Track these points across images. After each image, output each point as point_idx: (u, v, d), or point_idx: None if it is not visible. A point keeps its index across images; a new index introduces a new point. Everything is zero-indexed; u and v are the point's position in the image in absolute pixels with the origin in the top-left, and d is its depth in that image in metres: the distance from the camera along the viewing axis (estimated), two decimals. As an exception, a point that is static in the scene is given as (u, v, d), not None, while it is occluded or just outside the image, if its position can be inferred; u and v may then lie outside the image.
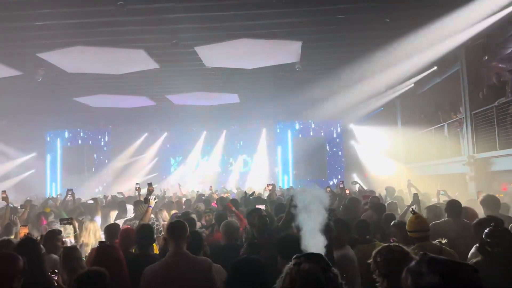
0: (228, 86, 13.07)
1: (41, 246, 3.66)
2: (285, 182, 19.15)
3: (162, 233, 4.92)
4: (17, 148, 18.41)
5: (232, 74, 11.50)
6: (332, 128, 19.55)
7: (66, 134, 20.64)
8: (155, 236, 4.55)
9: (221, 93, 13.85)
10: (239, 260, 2.71)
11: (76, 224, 5.11)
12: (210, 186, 13.56)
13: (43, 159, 19.93)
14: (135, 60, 10.08)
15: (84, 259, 3.96)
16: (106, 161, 20.28)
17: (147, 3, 7.32)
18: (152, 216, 5.62)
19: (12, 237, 5.15)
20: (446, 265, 1.40)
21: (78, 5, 7.36)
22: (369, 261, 2.54)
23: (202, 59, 10.08)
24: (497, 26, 8.65)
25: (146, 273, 3.02)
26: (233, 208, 5.97)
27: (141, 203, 6.11)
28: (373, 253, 2.56)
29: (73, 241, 4.95)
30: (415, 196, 6.22)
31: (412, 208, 4.72)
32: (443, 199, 7.00)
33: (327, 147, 19.51)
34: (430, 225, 3.98)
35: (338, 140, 19.53)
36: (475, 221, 3.83)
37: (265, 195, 10.49)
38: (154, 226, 5.03)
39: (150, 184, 5.72)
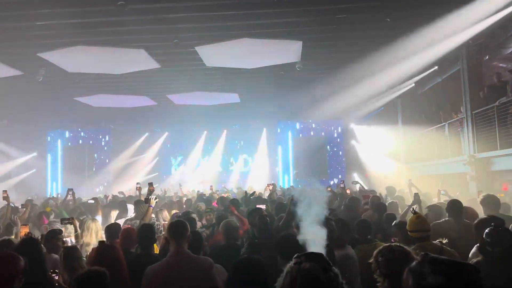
0: (228, 86, 13.07)
1: (42, 245, 3.66)
2: (286, 181, 19.16)
3: (163, 232, 4.91)
4: (18, 148, 18.45)
5: (233, 73, 11.50)
6: (332, 128, 19.55)
7: (67, 134, 20.67)
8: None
9: (222, 93, 13.85)
10: (240, 260, 2.71)
11: (77, 223, 5.11)
12: (211, 186, 13.58)
13: (44, 159, 19.96)
14: (136, 60, 10.08)
15: (85, 259, 3.97)
16: (107, 160, 20.31)
17: (147, 3, 7.32)
18: (153, 215, 5.62)
19: (13, 237, 5.15)
20: (449, 266, 1.40)
21: (79, 5, 7.37)
22: (370, 260, 2.53)
23: (202, 59, 10.08)
24: (498, 25, 8.64)
25: (147, 273, 3.02)
26: (236, 212, 5.96)
27: (142, 203, 6.12)
28: (374, 252, 2.55)
29: (73, 240, 4.95)
30: (416, 195, 6.21)
31: (413, 208, 4.72)
32: (444, 198, 7.00)
33: (328, 147, 19.51)
34: (431, 225, 3.98)
35: (338, 139, 19.54)
36: (476, 221, 3.83)
37: (266, 195, 10.50)
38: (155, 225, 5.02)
39: (150, 184, 5.72)
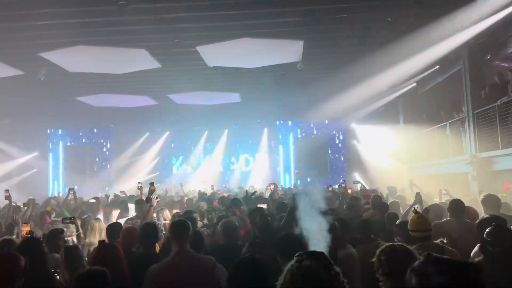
0: (229, 86, 13.07)
1: (44, 245, 3.67)
2: (287, 181, 19.16)
3: (164, 232, 4.92)
4: (19, 147, 18.48)
5: (234, 73, 11.50)
6: (333, 128, 19.53)
7: (68, 134, 20.68)
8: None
9: (223, 93, 13.85)
10: (242, 259, 2.71)
11: (79, 223, 5.12)
12: (212, 186, 13.59)
13: (45, 158, 19.99)
14: (137, 60, 10.08)
15: (86, 258, 3.97)
16: (108, 160, 20.33)
17: (148, 3, 7.32)
18: (154, 215, 5.63)
19: (14, 236, 5.16)
20: (452, 265, 1.41)
21: (80, 4, 7.37)
22: (373, 259, 2.53)
23: (203, 59, 10.08)
24: (499, 25, 8.62)
25: (150, 272, 3.02)
26: (238, 213, 5.97)
27: (143, 202, 6.12)
28: (377, 251, 2.55)
29: (75, 240, 4.96)
30: (418, 195, 6.21)
31: (414, 208, 4.71)
32: (445, 198, 6.99)
33: (329, 146, 19.49)
34: (432, 224, 3.98)
35: (339, 139, 19.52)
36: (477, 221, 3.83)
37: (267, 194, 10.50)
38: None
39: (152, 184, 5.73)
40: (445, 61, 10.87)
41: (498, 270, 2.87)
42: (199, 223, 6.00)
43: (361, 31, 8.87)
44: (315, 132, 19.75)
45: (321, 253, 1.77)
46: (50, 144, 20.35)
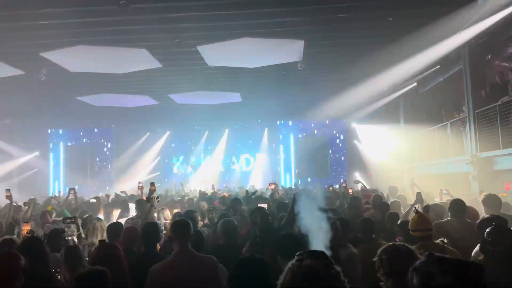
0: (230, 85, 13.07)
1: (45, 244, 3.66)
2: (287, 181, 19.15)
3: (164, 231, 4.92)
4: (20, 147, 18.49)
5: (235, 73, 11.50)
6: (334, 127, 19.51)
7: (69, 133, 20.69)
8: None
9: (224, 92, 13.85)
10: (243, 259, 2.71)
11: (80, 222, 5.12)
12: (212, 185, 13.59)
13: (46, 158, 20.01)
14: (138, 60, 10.09)
15: (87, 258, 3.97)
16: (109, 160, 20.34)
17: (149, 2, 7.32)
18: (154, 215, 5.63)
19: (15, 236, 5.16)
20: (455, 265, 1.41)
21: (80, 4, 7.37)
22: (374, 259, 2.52)
23: (204, 58, 10.08)
24: (500, 24, 8.60)
25: (152, 272, 3.02)
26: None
27: (143, 202, 6.12)
28: (379, 251, 2.55)
29: (76, 240, 4.96)
30: (419, 195, 6.20)
31: (415, 207, 4.71)
32: (446, 198, 6.99)
33: (330, 146, 19.49)
34: (432, 224, 3.97)
35: (340, 139, 19.51)
36: (478, 220, 3.83)
37: (268, 193, 10.51)
38: (156, 224, 5.02)
39: (152, 184, 5.74)
40: (446, 61, 10.87)
41: (499, 270, 2.87)
42: (200, 223, 6.00)
43: (362, 31, 8.87)
44: (315, 132, 19.75)
45: (322, 252, 1.77)
46: (51, 144, 20.37)
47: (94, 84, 12.37)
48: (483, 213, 4.90)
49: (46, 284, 3.11)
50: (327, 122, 19.33)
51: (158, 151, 20.49)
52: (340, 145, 19.50)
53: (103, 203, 8.37)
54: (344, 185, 9.54)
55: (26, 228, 4.64)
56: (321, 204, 2.75)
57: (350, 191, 8.84)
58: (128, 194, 11.53)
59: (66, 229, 4.75)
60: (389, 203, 6.68)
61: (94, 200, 8.47)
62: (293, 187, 15.23)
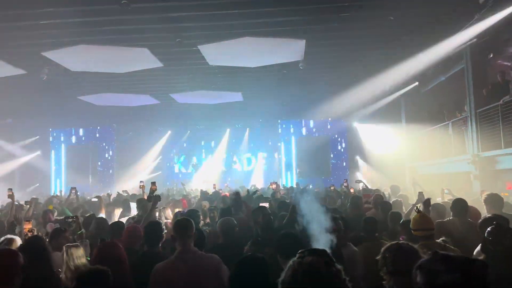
0: (231, 85, 13.07)
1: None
2: (289, 180, 19.15)
3: (165, 231, 4.92)
4: (22, 146, 18.53)
5: (236, 72, 11.50)
6: (335, 126, 19.49)
7: (71, 133, 20.72)
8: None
9: (225, 92, 13.85)
10: (244, 258, 2.71)
11: (81, 221, 5.11)
12: (214, 185, 13.59)
13: (48, 157, 20.04)
14: (139, 59, 10.10)
15: (88, 258, 3.97)
16: (110, 159, 20.36)
17: (150, 2, 7.32)
18: (156, 214, 5.63)
19: (16, 235, 5.16)
20: (460, 263, 1.41)
21: (83, 4, 7.39)
22: (378, 257, 2.52)
23: (205, 58, 10.09)
24: (502, 24, 8.59)
25: (155, 271, 3.02)
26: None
27: (144, 201, 6.13)
28: (382, 249, 2.54)
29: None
30: (420, 194, 6.19)
31: (417, 207, 4.70)
32: (448, 197, 6.98)
33: (331, 146, 19.47)
34: (434, 223, 3.97)
35: (341, 138, 19.49)
36: (480, 220, 3.82)
37: (269, 193, 10.51)
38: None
39: (153, 183, 5.74)
40: (448, 60, 10.85)
41: (499, 269, 2.86)
42: (201, 222, 6.00)
43: (363, 30, 8.86)
44: (316, 131, 19.73)
45: (323, 250, 1.77)
46: (53, 143, 20.40)
47: (96, 83, 12.39)
48: (485, 213, 4.89)
49: (48, 283, 3.11)
50: (328, 121, 19.32)
51: (159, 150, 20.50)
52: (342, 144, 19.48)
53: (105, 202, 8.38)
54: (345, 184, 9.55)
55: (27, 227, 4.64)
56: (322, 203, 2.75)
57: (351, 190, 8.84)
58: (130, 194, 11.55)
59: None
60: (391, 202, 6.67)
61: (96, 199, 8.47)
62: (294, 186, 15.23)
